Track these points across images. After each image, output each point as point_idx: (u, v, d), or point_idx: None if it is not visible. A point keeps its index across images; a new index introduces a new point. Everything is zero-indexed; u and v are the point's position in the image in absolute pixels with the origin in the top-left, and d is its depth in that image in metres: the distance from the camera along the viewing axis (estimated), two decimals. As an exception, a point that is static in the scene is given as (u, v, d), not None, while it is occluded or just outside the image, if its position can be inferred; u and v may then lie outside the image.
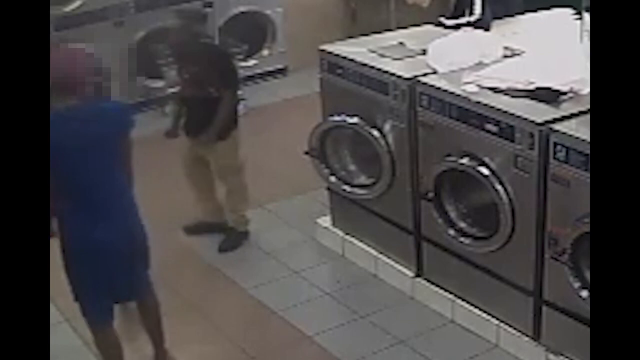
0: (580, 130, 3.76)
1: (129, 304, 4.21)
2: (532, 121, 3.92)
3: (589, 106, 3.36)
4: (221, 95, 5.15)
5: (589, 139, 3.46)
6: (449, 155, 4.34)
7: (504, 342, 4.38)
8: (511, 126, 4.00)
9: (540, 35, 5.88)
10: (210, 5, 7.56)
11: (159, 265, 4.21)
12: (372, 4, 8.36)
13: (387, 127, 4.70)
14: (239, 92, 5.68)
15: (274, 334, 4.66)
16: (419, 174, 4.60)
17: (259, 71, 8.23)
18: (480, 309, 4.50)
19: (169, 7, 7.06)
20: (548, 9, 6.61)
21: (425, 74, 4.53)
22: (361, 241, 5.20)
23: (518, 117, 3.98)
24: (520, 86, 4.20)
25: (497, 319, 4.42)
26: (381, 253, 5.05)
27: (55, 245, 3.69)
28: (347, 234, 5.29)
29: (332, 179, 5.20)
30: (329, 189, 5.34)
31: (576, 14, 6.18)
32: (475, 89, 4.28)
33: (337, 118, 4.98)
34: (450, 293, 4.65)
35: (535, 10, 6.56)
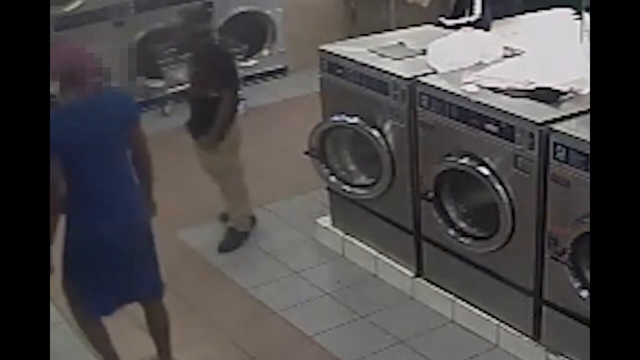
0: (580, 130, 3.76)
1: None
2: (532, 121, 3.92)
3: (589, 106, 3.36)
4: (221, 96, 5.15)
5: (589, 139, 3.46)
6: (449, 155, 4.34)
7: (504, 342, 4.38)
8: (511, 126, 4.00)
9: (540, 35, 5.88)
10: (210, 5, 7.55)
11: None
12: (372, 4, 8.36)
13: (387, 127, 4.70)
14: (239, 92, 5.68)
15: (274, 334, 4.66)
16: (419, 174, 4.60)
17: (259, 71, 8.22)
18: (480, 309, 4.50)
19: (169, 7, 7.08)
20: (548, 9, 6.61)
21: (425, 74, 4.53)
22: (361, 241, 5.19)
23: (518, 117, 3.98)
24: (520, 86, 4.20)
25: (497, 319, 4.42)
26: (381, 253, 5.05)
27: (55, 245, 3.69)
28: (347, 234, 5.29)
29: (332, 179, 5.20)
30: (329, 189, 5.34)
31: (576, 14, 6.18)
32: (475, 89, 4.28)
33: (337, 118, 4.98)
34: (450, 293, 4.65)
35: (535, 10, 6.56)
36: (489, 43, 4.73)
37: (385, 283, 4.99)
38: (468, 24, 5.48)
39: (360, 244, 5.19)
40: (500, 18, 6.13)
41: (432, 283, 4.77)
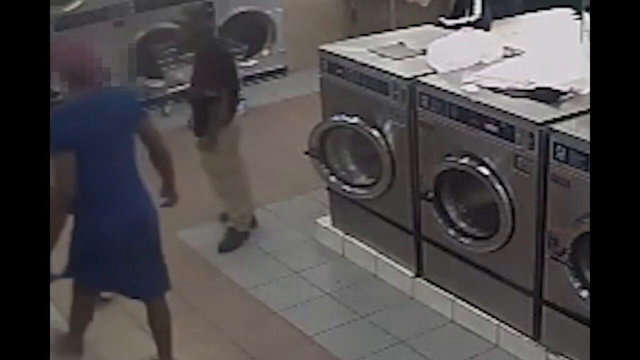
0: (580, 130, 3.76)
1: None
2: (532, 121, 3.92)
3: (589, 106, 3.36)
4: (221, 96, 5.15)
5: (589, 139, 3.46)
6: (449, 155, 4.34)
7: (504, 342, 4.38)
8: (511, 126, 4.00)
9: (540, 35, 5.88)
10: (210, 5, 7.55)
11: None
12: (372, 4, 8.36)
13: (387, 127, 4.70)
14: (239, 92, 5.67)
15: (274, 334, 4.66)
16: (419, 174, 4.60)
17: (259, 71, 8.23)
18: (480, 309, 4.50)
19: (169, 7, 7.08)
20: (548, 9, 6.61)
21: (425, 74, 4.53)
22: (361, 241, 5.19)
23: (518, 117, 3.98)
24: (520, 86, 4.20)
25: (497, 319, 4.42)
26: (381, 253, 5.05)
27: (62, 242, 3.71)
28: (347, 234, 5.29)
29: (332, 179, 5.20)
30: (329, 189, 5.34)
31: (576, 14, 6.18)
32: (475, 89, 4.28)
33: (337, 118, 4.98)
34: (450, 293, 4.65)
35: (535, 10, 6.56)
36: (489, 43, 4.74)
37: (385, 283, 4.99)
38: (468, 24, 5.48)
39: (360, 244, 5.19)
40: (500, 18, 6.13)
41: (432, 283, 4.77)
